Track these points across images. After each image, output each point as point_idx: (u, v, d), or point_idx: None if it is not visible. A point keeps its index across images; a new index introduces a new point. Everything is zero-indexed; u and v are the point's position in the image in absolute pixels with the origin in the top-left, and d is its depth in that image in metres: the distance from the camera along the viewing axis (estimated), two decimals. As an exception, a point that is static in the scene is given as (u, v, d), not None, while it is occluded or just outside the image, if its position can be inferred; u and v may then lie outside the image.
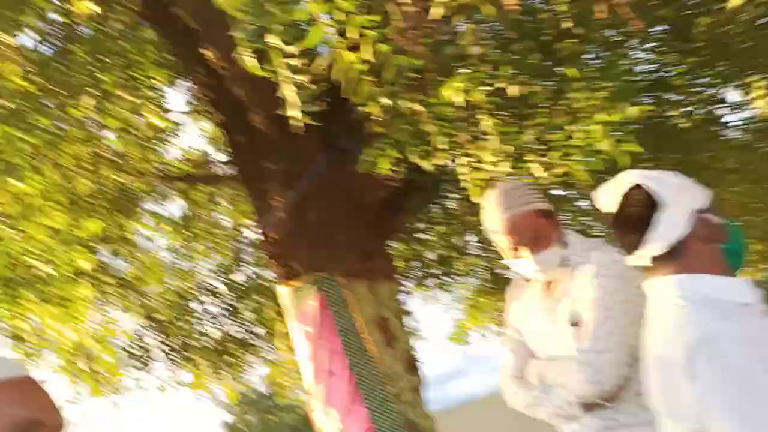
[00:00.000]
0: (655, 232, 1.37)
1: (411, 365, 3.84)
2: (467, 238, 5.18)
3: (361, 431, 3.56)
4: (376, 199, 3.65)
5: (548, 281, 2.04)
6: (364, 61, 1.44)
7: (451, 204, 4.74)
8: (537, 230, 1.97)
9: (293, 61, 1.51)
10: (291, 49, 1.49)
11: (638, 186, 1.40)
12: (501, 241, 2.01)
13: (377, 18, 1.39)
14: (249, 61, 1.48)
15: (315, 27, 1.34)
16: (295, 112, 1.76)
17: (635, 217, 1.40)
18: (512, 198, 2.00)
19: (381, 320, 3.72)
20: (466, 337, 6.61)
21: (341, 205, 3.54)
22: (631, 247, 1.42)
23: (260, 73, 1.54)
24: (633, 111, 1.80)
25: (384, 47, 1.40)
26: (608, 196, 1.47)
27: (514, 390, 2.03)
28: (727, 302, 1.33)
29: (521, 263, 2.00)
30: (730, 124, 4.14)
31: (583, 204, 4.83)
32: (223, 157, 5.43)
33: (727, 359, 1.19)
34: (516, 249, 1.98)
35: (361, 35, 1.41)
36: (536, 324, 2.04)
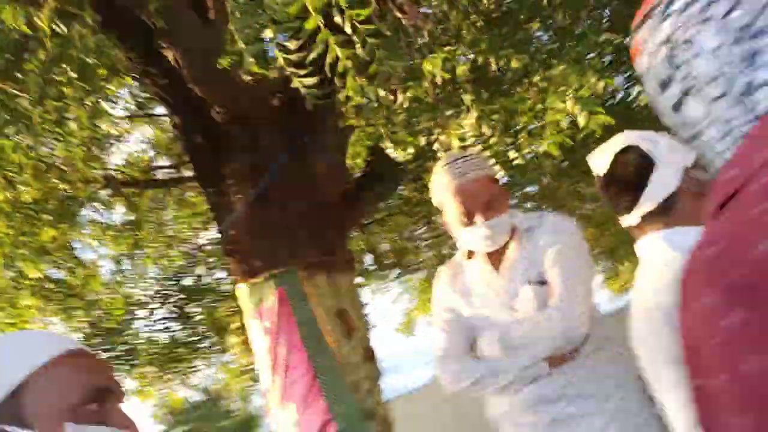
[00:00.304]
0: (650, 190, 1.41)
1: (369, 355, 3.94)
2: (420, 229, 5.36)
3: (319, 423, 3.61)
4: (337, 191, 3.73)
5: (490, 253, 2.02)
6: (355, 55, 1.56)
7: (408, 195, 4.90)
8: (490, 195, 1.96)
9: (292, 57, 1.61)
10: (289, 44, 1.59)
11: (630, 147, 1.44)
12: (453, 208, 1.97)
13: (367, 12, 1.50)
14: (248, 60, 1.58)
15: (310, 19, 1.44)
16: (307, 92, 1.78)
17: (630, 177, 1.44)
18: (465, 165, 1.98)
19: (340, 312, 3.80)
20: (413, 328, 6.83)
21: (302, 199, 3.59)
22: (625, 206, 1.44)
23: (256, 69, 1.64)
24: (600, 85, 1.99)
25: (374, 41, 1.51)
26: (602, 158, 1.48)
27: (454, 369, 1.98)
28: None
29: (472, 231, 1.96)
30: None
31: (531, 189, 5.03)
32: (168, 162, 5.43)
33: None
34: (468, 215, 1.96)
35: (354, 29, 1.53)
36: (486, 297, 2.01)
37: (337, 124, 3.21)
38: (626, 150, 1.45)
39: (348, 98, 1.90)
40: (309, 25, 1.44)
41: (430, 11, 2.28)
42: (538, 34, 2.55)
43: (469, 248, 2.06)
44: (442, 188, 2.01)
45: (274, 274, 3.61)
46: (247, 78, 3.17)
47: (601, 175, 1.49)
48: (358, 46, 1.56)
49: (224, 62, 2.04)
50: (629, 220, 1.45)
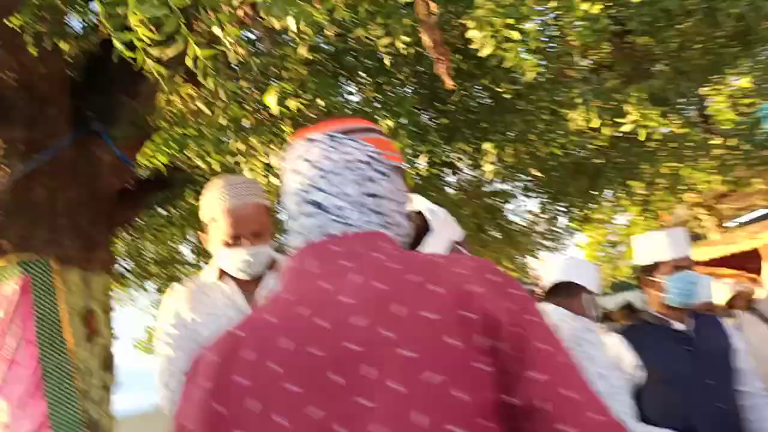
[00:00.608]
0: (422, 247, 1.75)
1: (107, 363, 3.78)
2: (190, 245, 5.29)
3: (34, 426, 3.39)
4: (116, 187, 3.59)
5: (244, 282, 2.01)
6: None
7: (189, 206, 4.84)
8: (261, 224, 1.96)
9: (154, 51, 1.60)
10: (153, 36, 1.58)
11: (419, 212, 1.79)
12: (221, 226, 1.94)
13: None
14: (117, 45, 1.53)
15: (170, 18, 1.46)
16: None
17: (412, 233, 1.74)
18: (244, 187, 1.98)
19: (87, 312, 3.62)
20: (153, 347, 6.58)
21: (75, 187, 3.41)
22: None
23: (128, 54, 1.59)
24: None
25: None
26: None
27: (174, 389, 1.86)
28: None
29: (234, 254, 1.94)
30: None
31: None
32: None
33: None
34: (234, 237, 1.93)
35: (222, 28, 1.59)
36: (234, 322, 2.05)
37: (141, 120, 3.14)
38: (414, 212, 1.77)
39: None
40: (169, 27, 1.48)
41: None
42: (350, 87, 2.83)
43: (226, 269, 2.01)
44: (215, 204, 1.97)
45: (24, 260, 3.34)
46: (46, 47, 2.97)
47: None
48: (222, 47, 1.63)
49: (15, 21, 1.92)
50: None
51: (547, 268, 2.82)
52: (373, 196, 1.12)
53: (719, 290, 5.33)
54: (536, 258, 9.15)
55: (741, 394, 2.59)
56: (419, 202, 1.80)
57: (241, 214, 1.93)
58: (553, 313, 2.61)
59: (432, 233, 1.74)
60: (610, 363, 2.50)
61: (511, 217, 8.21)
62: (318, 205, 1.10)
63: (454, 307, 0.93)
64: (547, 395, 0.91)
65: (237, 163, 2.49)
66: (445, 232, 1.77)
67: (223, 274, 2.03)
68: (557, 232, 8.69)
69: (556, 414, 0.90)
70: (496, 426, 0.90)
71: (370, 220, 1.11)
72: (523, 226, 8.27)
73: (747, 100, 10.97)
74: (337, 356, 0.93)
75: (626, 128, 4.22)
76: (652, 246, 2.70)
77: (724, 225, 12.43)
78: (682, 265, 2.63)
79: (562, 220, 8.47)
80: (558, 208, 7.92)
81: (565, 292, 2.73)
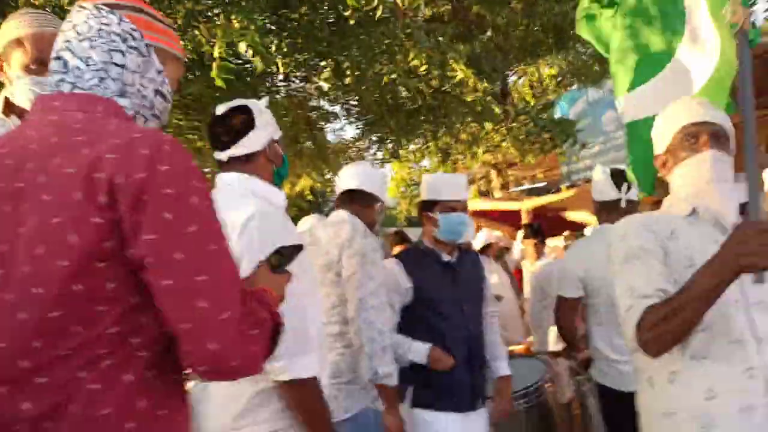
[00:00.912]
0: (244, 141, 1.96)
1: None
2: None
3: None
4: None
5: None
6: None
7: None
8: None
9: None
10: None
11: (245, 107, 1.99)
12: (22, 53, 1.85)
13: None
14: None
15: None
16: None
17: (237, 126, 1.96)
18: (45, 19, 1.90)
19: None
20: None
21: None
22: (218, 144, 1.98)
23: None
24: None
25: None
26: (223, 108, 2.00)
27: None
28: (276, 202, 1.93)
29: (23, 84, 1.82)
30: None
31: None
32: None
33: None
34: (39, 65, 1.84)
35: None
36: None
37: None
38: (240, 108, 2.01)
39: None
40: None
41: None
42: None
43: (15, 100, 1.83)
44: (19, 27, 1.86)
45: None
46: None
47: (214, 114, 2.02)
48: None
49: None
50: (221, 156, 1.99)
51: (343, 176, 2.94)
52: (120, 66, 1.24)
53: (480, 236, 6.30)
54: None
55: (484, 317, 2.98)
56: (253, 104, 2.01)
57: (47, 41, 1.76)
58: (348, 225, 2.70)
59: (255, 129, 1.98)
60: (385, 282, 2.67)
61: (330, 137, 8.64)
62: (64, 63, 1.23)
63: (90, 169, 1.09)
64: (158, 263, 1.09)
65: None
66: (267, 129, 2.00)
67: (8, 105, 1.86)
68: (368, 160, 9.29)
69: (163, 290, 1.09)
70: (108, 268, 1.09)
71: (107, 87, 1.23)
72: (338, 146, 8.74)
73: (550, 86, 12.37)
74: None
75: (450, 82, 4.74)
76: (435, 185, 2.91)
77: (508, 188, 14.05)
78: (456, 207, 2.87)
79: (375, 150, 9.07)
80: (373, 138, 8.50)
81: (358, 201, 2.83)
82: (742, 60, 1.75)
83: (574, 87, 11.18)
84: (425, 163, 11.88)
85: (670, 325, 1.50)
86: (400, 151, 9.60)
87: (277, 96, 5.99)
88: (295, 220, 3.10)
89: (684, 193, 1.79)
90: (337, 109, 7.44)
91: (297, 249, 1.49)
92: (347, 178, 2.89)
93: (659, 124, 1.90)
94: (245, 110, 2.01)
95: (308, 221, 3.87)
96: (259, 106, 2.03)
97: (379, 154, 9.19)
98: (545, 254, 6.15)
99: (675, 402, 1.61)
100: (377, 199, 2.86)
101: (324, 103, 7.21)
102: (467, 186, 3.05)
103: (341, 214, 2.79)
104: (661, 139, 1.87)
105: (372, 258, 2.59)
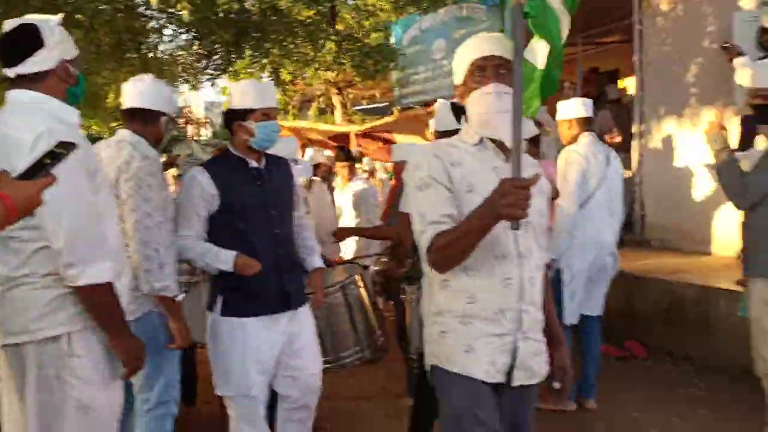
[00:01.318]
0: (32, 59, 1.90)
1: None
2: None
3: None
4: None
5: None
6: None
7: None
8: None
9: None
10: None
11: (31, 27, 1.91)
12: None
13: None
14: None
15: None
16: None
17: (21, 45, 1.90)
18: None
19: None
20: None
21: None
22: (6, 61, 1.89)
23: None
24: None
25: None
26: (11, 25, 1.92)
27: None
28: (67, 120, 1.91)
29: None
30: None
31: None
32: None
33: None
34: None
35: None
36: None
37: None
38: (27, 26, 1.93)
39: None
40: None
41: None
42: None
43: None
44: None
45: None
46: None
47: (1, 30, 1.95)
48: None
49: None
50: (8, 72, 1.91)
51: (124, 93, 2.81)
52: None
53: (308, 155, 6.52)
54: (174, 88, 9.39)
55: (295, 220, 3.02)
56: (41, 20, 1.97)
57: None
58: (128, 147, 2.66)
59: (45, 48, 1.92)
60: (162, 202, 2.68)
61: (161, 47, 8.24)
62: None
63: None
64: None
65: None
66: (57, 48, 1.96)
67: None
68: (197, 72, 9.00)
69: None
70: None
71: None
72: (165, 59, 8.39)
73: (386, 8, 12.52)
74: None
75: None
76: (249, 94, 2.81)
77: (347, 108, 14.24)
78: (268, 114, 2.81)
79: (206, 63, 8.80)
80: (201, 52, 8.27)
81: (139, 119, 2.74)
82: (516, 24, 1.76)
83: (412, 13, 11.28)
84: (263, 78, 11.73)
85: (452, 249, 1.76)
86: (232, 68, 9.43)
87: (104, 5, 5.66)
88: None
89: (473, 123, 1.96)
90: (163, 18, 7.14)
91: (72, 146, 1.53)
92: (127, 96, 2.79)
93: (456, 59, 2.04)
94: (33, 28, 1.93)
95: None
96: (49, 24, 1.96)
97: (210, 70, 8.98)
98: (357, 176, 6.51)
99: (444, 304, 1.90)
100: (161, 114, 2.80)
101: (153, 13, 6.90)
102: (274, 93, 3.06)
103: (122, 133, 2.75)
104: (458, 71, 2.02)
105: (148, 182, 2.63)
